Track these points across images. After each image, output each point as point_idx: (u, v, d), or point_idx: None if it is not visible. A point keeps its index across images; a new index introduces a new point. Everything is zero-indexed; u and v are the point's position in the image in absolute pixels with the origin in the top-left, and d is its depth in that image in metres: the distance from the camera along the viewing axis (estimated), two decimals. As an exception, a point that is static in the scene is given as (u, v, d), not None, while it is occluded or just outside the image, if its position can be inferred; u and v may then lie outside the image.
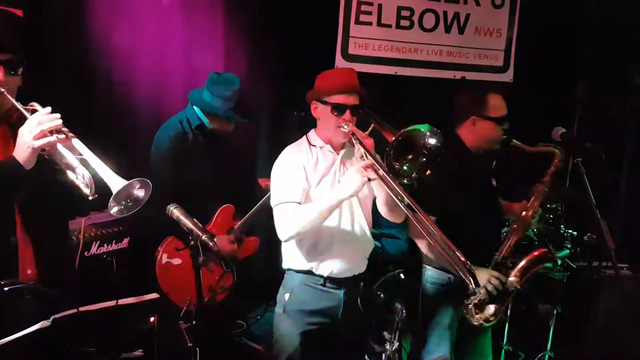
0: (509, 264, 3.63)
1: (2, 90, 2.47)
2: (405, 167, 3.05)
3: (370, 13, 5.42)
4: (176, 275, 3.93)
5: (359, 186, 3.05)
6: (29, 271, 2.62)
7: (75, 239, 3.64)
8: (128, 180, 2.34)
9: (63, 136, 2.42)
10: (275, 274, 3.60)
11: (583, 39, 6.11)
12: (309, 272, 3.33)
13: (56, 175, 2.50)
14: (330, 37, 5.31)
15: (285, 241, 3.30)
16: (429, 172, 3.03)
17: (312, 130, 3.42)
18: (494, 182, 3.97)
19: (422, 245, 3.58)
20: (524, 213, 3.74)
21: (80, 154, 2.42)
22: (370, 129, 3.17)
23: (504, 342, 4.75)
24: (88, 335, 2.37)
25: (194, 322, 2.76)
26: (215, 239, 2.68)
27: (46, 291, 2.57)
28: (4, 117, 2.60)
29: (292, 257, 3.38)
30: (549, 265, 3.81)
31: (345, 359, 3.53)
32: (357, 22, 5.38)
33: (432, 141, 3.04)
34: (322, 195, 3.20)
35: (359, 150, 3.09)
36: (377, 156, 3.13)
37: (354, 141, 3.15)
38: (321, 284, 3.33)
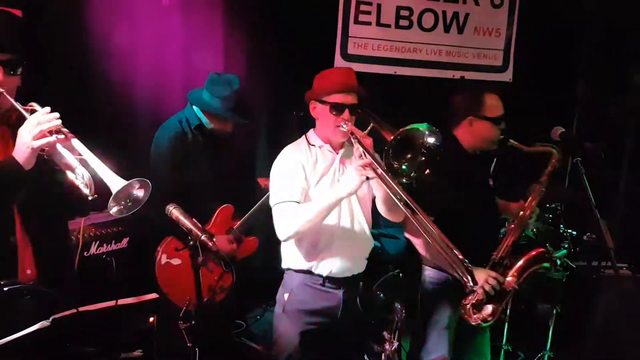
0: (507, 264, 3.63)
1: (1, 90, 2.47)
2: (404, 166, 3.05)
3: (369, 13, 5.42)
4: (175, 275, 3.93)
5: (358, 185, 3.05)
6: (29, 271, 2.62)
7: (74, 239, 3.64)
8: (127, 180, 2.34)
9: (62, 136, 2.42)
10: (274, 273, 3.60)
11: (583, 39, 6.11)
12: (308, 272, 3.33)
13: (56, 176, 2.50)
14: (330, 37, 5.32)
15: (284, 240, 3.30)
16: (427, 171, 3.03)
17: (311, 130, 3.42)
18: (491, 182, 3.98)
19: (418, 244, 3.58)
20: (521, 213, 3.75)
21: (80, 154, 2.41)
22: (369, 128, 3.17)
23: (504, 342, 4.75)
24: (87, 335, 2.37)
25: (193, 322, 2.76)
26: (214, 239, 2.68)
27: (46, 291, 2.57)
28: (3, 118, 2.60)
29: (291, 257, 3.38)
30: (546, 265, 3.81)
31: (345, 359, 3.53)
32: (357, 21, 5.39)
33: (431, 140, 3.03)
34: (321, 194, 3.20)
35: (357, 149, 3.09)
36: (376, 155, 3.13)
37: (352, 140, 3.14)
38: (320, 284, 3.33)
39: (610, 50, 6.01)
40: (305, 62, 4.66)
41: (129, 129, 4.50)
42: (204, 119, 4.05)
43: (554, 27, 5.87)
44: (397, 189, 3.04)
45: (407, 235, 3.62)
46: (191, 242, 2.67)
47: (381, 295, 4.58)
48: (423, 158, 3.03)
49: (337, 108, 3.23)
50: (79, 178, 2.41)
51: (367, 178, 3.04)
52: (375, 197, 3.35)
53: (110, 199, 2.31)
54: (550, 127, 3.95)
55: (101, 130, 4.25)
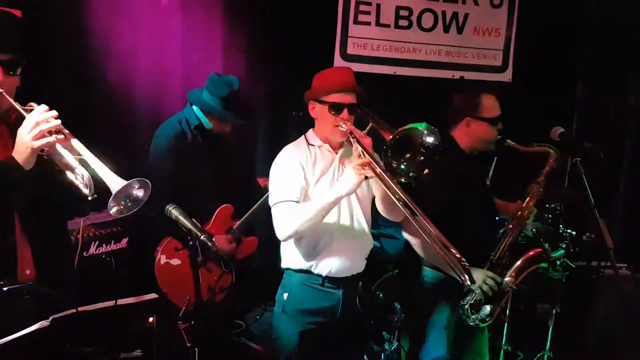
0: (505, 264, 3.63)
1: (1, 90, 2.47)
2: (402, 166, 3.04)
3: (368, 13, 5.43)
4: (175, 275, 3.93)
5: (356, 184, 3.05)
6: (28, 271, 2.62)
7: (74, 239, 3.64)
8: (127, 180, 2.34)
9: (62, 136, 2.42)
10: (274, 273, 3.60)
11: (582, 39, 6.11)
12: (308, 272, 3.33)
13: (55, 176, 2.50)
14: (329, 37, 5.32)
15: (283, 240, 3.30)
16: (426, 171, 3.02)
17: (311, 130, 3.42)
18: (489, 182, 3.97)
19: (415, 244, 3.57)
20: (519, 213, 3.75)
21: (80, 154, 2.42)
22: (368, 127, 3.17)
23: (503, 342, 4.74)
24: (87, 335, 2.37)
25: (192, 322, 2.76)
26: (213, 239, 2.68)
27: (45, 291, 2.57)
28: (3, 118, 2.60)
29: (291, 257, 3.38)
30: (544, 265, 3.81)
31: (345, 359, 3.53)
32: (356, 22, 5.39)
33: (429, 140, 3.03)
34: (321, 194, 3.20)
35: (356, 149, 3.09)
36: (375, 154, 3.13)
37: (351, 140, 3.15)
38: (320, 284, 3.33)
39: (609, 50, 6.01)
40: (304, 62, 4.66)
41: (129, 129, 4.50)
42: (204, 119, 4.05)
43: (553, 27, 5.87)
44: (395, 188, 3.03)
45: (404, 235, 3.61)
46: (190, 242, 2.67)
47: (381, 295, 4.58)
48: (422, 157, 3.03)
49: (335, 108, 3.23)
50: (79, 178, 2.41)
51: (366, 177, 3.04)
52: (375, 197, 3.35)
53: (110, 199, 2.31)
54: (549, 127, 3.95)
55: (101, 130, 4.26)
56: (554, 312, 4.70)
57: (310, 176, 3.28)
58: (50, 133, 2.41)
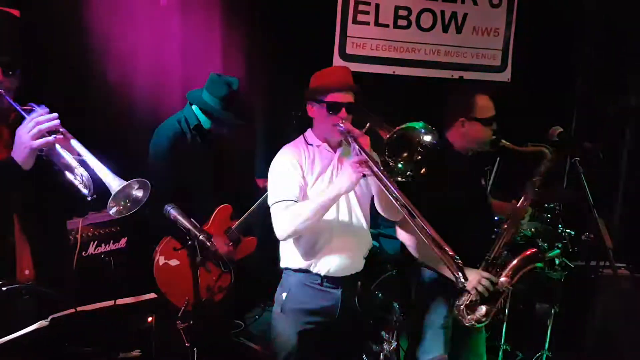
0: (501, 264, 3.63)
1: (0, 90, 2.47)
2: (400, 165, 3.04)
3: (367, 13, 5.42)
4: (174, 275, 3.93)
5: (354, 182, 3.05)
6: (27, 271, 2.63)
7: (72, 239, 3.64)
8: (127, 180, 2.34)
9: (61, 136, 2.43)
10: (273, 273, 3.60)
11: (581, 39, 6.11)
12: (307, 271, 3.33)
13: (54, 176, 2.50)
14: (328, 37, 5.32)
15: (283, 240, 3.29)
16: (424, 170, 3.02)
17: (309, 129, 3.42)
18: (483, 182, 3.98)
19: (409, 242, 3.56)
20: (514, 213, 3.75)
21: (79, 155, 2.42)
22: (366, 127, 3.17)
23: (502, 342, 4.75)
24: (86, 335, 2.37)
25: (191, 322, 2.77)
26: (212, 239, 2.68)
27: (44, 291, 2.57)
28: (2, 118, 2.60)
29: (289, 257, 3.38)
30: (539, 265, 3.80)
31: (343, 359, 3.53)
32: (355, 21, 5.39)
33: (427, 138, 3.03)
34: (319, 193, 3.20)
35: (355, 148, 3.09)
36: (374, 153, 3.13)
37: (349, 139, 3.15)
38: (318, 283, 3.33)
39: (609, 50, 6.01)
40: (303, 62, 4.66)
41: (129, 129, 4.49)
42: (203, 119, 4.05)
43: (552, 27, 5.87)
44: (392, 187, 3.03)
45: (398, 234, 3.60)
46: (189, 242, 2.67)
47: (379, 295, 4.58)
48: (419, 157, 3.03)
49: (333, 107, 3.23)
50: (78, 178, 2.41)
51: (364, 175, 3.04)
52: (373, 197, 3.35)
53: (110, 199, 2.32)
54: (549, 127, 3.94)
55: (100, 130, 4.26)
56: (552, 311, 4.70)
57: (309, 176, 3.28)
58: (49, 133, 2.41)
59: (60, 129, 2.44)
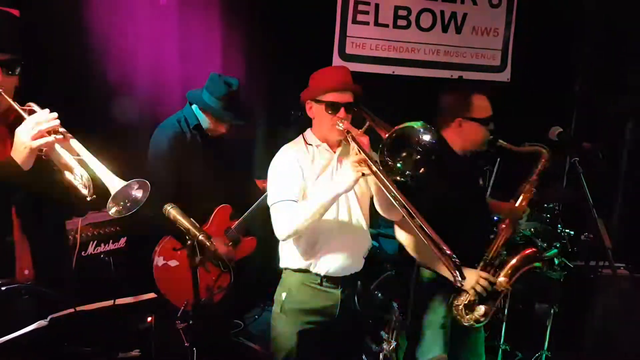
0: (499, 264, 3.63)
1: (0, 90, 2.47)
2: (399, 164, 3.04)
3: (367, 13, 5.43)
4: (173, 275, 3.93)
5: (354, 181, 3.05)
6: (26, 271, 2.63)
7: (72, 239, 3.64)
8: (126, 180, 2.34)
9: (61, 136, 2.43)
10: (272, 273, 3.60)
11: (582, 39, 6.11)
12: (306, 271, 3.33)
13: (54, 176, 2.50)
14: (328, 36, 5.32)
15: (282, 240, 3.29)
16: (422, 170, 3.02)
17: (308, 129, 3.42)
18: (481, 182, 3.98)
19: (407, 243, 3.56)
20: (511, 213, 3.75)
21: (78, 155, 2.42)
22: (365, 126, 3.17)
23: (501, 342, 4.75)
24: (85, 335, 2.38)
25: (191, 322, 2.76)
26: (212, 239, 2.68)
27: (44, 291, 2.58)
28: (1, 118, 2.60)
29: (289, 256, 3.38)
30: (538, 264, 3.80)
31: (343, 359, 3.53)
32: (354, 21, 5.39)
33: (426, 138, 3.02)
34: (319, 192, 3.20)
35: (354, 147, 3.10)
36: (374, 153, 3.13)
37: (348, 138, 3.15)
38: (318, 283, 3.34)
39: (609, 50, 6.01)
40: (303, 62, 4.65)
41: (129, 129, 4.50)
42: (203, 119, 4.05)
43: (552, 27, 5.87)
44: (391, 187, 3.03)
45: (396, 234, 3.59)
46: (189, 242, 2.67)
47: (379, 294, 4.59)
48: (418, 156, 3.03)
49: (332, 107, 3.23)
50: (78, 178, 2.41)
51: (363, 175, 3.04)
52: (373, 197, 3.35)
53: (109, 199, 2.31)
54: (548, 127, 3.95)
55: (100, 130, 4.26)
56: (552, 311, 4.71)
57: (309, 175, 3.28)
58: (48, 133, 2.41)
59: (60, 129, 2.44)
